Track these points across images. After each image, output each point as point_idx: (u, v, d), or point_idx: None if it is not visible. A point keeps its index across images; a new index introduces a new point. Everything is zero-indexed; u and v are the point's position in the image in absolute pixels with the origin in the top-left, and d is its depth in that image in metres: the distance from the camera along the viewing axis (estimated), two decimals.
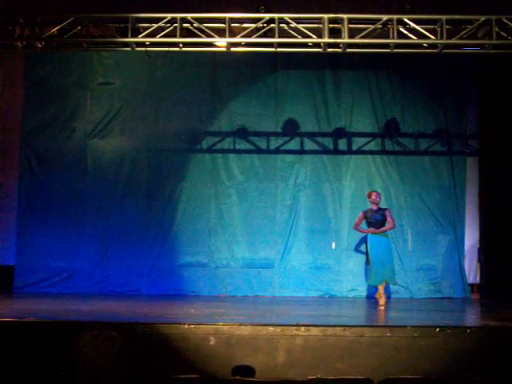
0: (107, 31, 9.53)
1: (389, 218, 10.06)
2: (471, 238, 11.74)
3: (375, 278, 9.89)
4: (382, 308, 9.64)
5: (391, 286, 10.71)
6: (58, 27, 9.36)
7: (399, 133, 11.88)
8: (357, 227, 10.31)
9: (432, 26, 9.30)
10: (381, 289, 9.91)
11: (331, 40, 9.30)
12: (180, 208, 11.73)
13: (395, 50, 9.55)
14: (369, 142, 11.89)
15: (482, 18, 9.13)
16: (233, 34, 9.37)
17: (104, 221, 11.63)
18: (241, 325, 6.85)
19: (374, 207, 10.09)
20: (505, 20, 9.07)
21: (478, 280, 11.70)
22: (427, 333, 6.74)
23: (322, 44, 9.42)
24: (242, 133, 11.87)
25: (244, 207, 11.76)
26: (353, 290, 11.48)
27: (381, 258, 9.85)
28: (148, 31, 9.39)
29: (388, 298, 10.44)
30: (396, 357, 6.64)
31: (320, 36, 9.28)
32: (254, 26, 9.36)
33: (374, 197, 10.14)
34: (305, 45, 9.65)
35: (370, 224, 10.05)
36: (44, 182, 11.72)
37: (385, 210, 10.16)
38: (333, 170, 11.79)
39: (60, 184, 11.68)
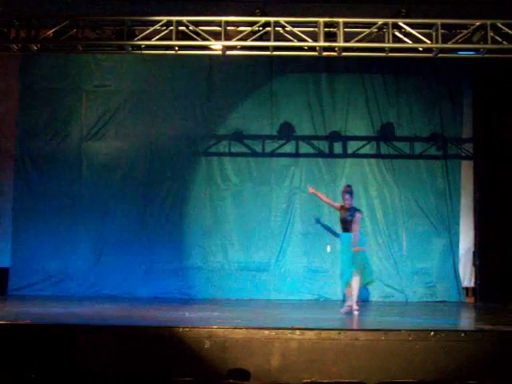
0: (103, 34, 9.52)
1: (354, 225, 9.48)
2: (466, 241, 11.76)
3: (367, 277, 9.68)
4: (357, 313, 9.27)
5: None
6: (53, 30, 9.36)
7: (394, 136, 11.90)
8: (323, 197, 10.15)
9: (427, 31, 9.32)
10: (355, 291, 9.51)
11: (327, 44, 9.31)
12: (175, 211, 11.72)
13: (390, 54, 9.56)
14: (364, 146, 11.91)
15: (477, 23, 9.16)
16: (228, 37, 9.38)
17: (99, 224, 11.62)
18: (235, 328, 6.86)
19: (348, 206, 9.63)
20: (500, 25, 9.10)
21: (472, 283, 11.72)
22: (422, 336, 6.76)
23: (317, 48, 9.44)
24: (238, 136, 11.88)
25: (239, 210, 11.76)
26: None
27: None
28: (144, 34, 9.39)
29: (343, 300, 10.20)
30: (390, 360, 6.65)
31: (315, 40, 9.29)
32: (249, 29, 9.37)
33: (345, 200, 9.66)
34: (300, 48, 9.65)
35: (339, 220, 9.78)
36: (39, 185, 11.70)
37: (356, 212, 9.58)
38: (328, 174, 11.80)
39: (55, 187, 11.67)
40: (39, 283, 11.45)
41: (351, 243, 9.44)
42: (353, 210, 9.60)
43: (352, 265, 9.43)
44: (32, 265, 11.45)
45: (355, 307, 9.31)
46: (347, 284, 9.52)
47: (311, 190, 10.22)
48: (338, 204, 9.91)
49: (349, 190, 9.78)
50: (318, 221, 11.64)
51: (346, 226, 9.59)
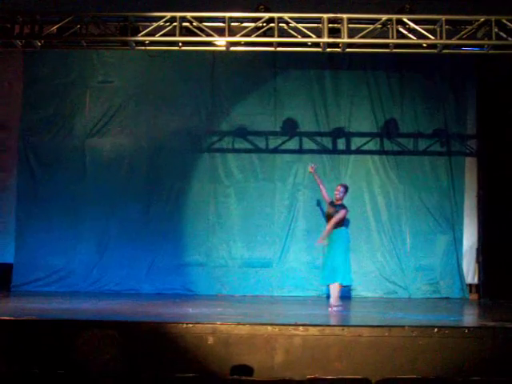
0: (107, 30, 9.50)
1: (334, 218, 9.43)
2: (470, 238, 11.76)
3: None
4: (337, 309, 9.25)
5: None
6: (57, 26, 9.33)
7: (398, 133, 11.89)
8: (320, 182, 10.01)
9: (431, 26, 9.28)
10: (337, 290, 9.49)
11: (330, 40, 9.28)
12: (178, 207, 11.72)
13: (394, 50, 9.53)
14: (368, 142, 11.90)
15: (482, 19, 9.12)
16: (232, 33, 9.35)
17: (102, 219, 11.62)
18: (239, 324, 6.86)
19: (337, 200, 9.61)
20: (504, 21, 9.06)
21: (476, 280, 11.72)
22: (425, 333, 6.75)
23: (321, 44, 9.40)
24: (241, 132, 11.87)
25: (242, 207, 11.76)
26: (351, 289, 11.47)
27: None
28: (147, 30, 9.36)
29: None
30: (394, 357, 6.65)
31: (319, 36, 9.26)
32: (253, 25, 9.34)
33: (336, 191, 9.63)
34: (304, 44, 9.62)
35: (324, 214, 9.83)
36: (43, 181, 11.72)
37: (341, 209, 9.52)
38: (331, 170, 11.78)
39: (59, 182, 11.68)
40: (43, 279, 11.46)
41: (334, 238, 9.44)
42: (340, 207, 9.54)
43: (346, 264, 9.45)
44: (36, 261, 11.46)
45: (336, 303, 9.30)
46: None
47: (311, 169, 10.15)
48: (329, 198, 9.88)
49: (344, 185, 9.80)
50: (321, 217, 11.62)
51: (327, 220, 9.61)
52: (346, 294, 11.38)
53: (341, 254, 9.46)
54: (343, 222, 9.65)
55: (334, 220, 9.41)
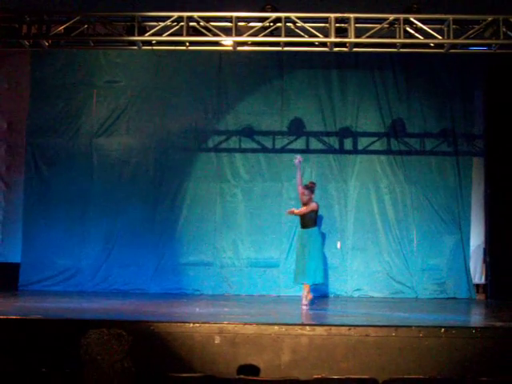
0: (114, 30, 9.52)
1: (304, 208, 9.53)
2: (477, 238, 11.72)
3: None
4: (305, 307, 9.28)
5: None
6: (64, 25, 9.36)
7: (405, 133, 11.86)
8: (299, 177, 9.76)
9: (439, 26, 9.27)
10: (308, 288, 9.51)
11: (338, 39, 9.28)
12: (185, 207, 11.73)
13: (402, 50, 9.54)
14: (375, 142, 11.87)
15: (489, 18, 9.10)
16: (239, 32, 9.36)
17: (109, 219, 11.64)
18: (246, 324, 6.86)
19: (305, 200, 9.58)
20: None
21: (483, 280, 11.68)
22: (432, 333, 6.75)
23: (328, 43, 9.41)
24: (248, 132, 11.87)
25: (249, 206, 11.75)
26: (358, 289, 11.47)
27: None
28: (154, 30, 9.39)
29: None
30: (401, 357, 6.64)
31: (326, 35, 9.26)
32: (260, 25, 9.35)
33: (303, 193, 9.60)
34: (311, 44, 9.63)
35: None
36: (50, 181, 11.74)
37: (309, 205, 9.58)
38: (338, 170, 11.77)
39: (66, 182, 11.69)
40: (50, 278, 11.48)
41: (305, 238, 9.48)
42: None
43: (320, 262, 9.47)
44: (43, 260, 11.48)
45: (306, 302, 9.33)
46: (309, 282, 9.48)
47: (297, 161, 9.88)
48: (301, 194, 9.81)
49: (310, 186, 9.71)
50: (327, 217, 11.62)
51: (303, 221, 9.58)
52: (352, 295, 11.42)
53: (312, 253, 9.43)
54: (315, 222, 9.62)
55: (301, 210, 9.46)
